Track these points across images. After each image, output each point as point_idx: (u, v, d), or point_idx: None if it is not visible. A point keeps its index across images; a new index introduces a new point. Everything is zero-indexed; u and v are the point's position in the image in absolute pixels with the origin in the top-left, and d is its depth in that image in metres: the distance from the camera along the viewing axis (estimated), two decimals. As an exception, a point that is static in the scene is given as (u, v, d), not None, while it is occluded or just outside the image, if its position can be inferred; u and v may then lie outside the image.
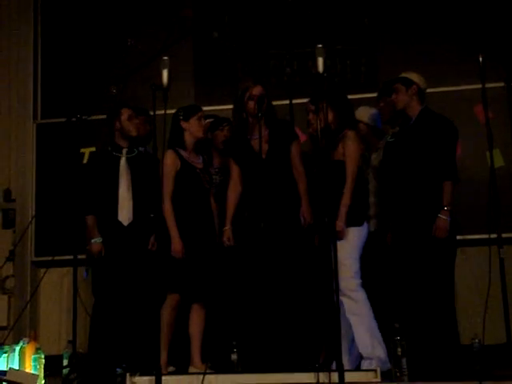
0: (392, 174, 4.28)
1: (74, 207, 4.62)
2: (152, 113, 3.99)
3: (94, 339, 4.57)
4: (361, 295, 4.11)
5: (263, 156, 4.27)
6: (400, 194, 4.21)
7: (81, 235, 4.56)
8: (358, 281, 4.12)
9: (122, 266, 4.51)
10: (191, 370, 4.27)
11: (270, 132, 4.33)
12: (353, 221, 4.15)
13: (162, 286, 4.19)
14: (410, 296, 4.08)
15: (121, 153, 4.67)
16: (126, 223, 4.57)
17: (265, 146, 4.27)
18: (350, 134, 4.23)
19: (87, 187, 4.65)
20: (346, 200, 4.13)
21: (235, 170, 4.45)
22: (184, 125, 4.42)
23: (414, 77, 4.32)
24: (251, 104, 4.31)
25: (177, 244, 4.26)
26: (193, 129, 4.43)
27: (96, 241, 4.53)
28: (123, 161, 4.65)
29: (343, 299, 4.04)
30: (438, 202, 4.08)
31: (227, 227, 4.39)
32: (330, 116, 4.13)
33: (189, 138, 4.43)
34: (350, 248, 4.11)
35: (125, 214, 4.57)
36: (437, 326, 3.98)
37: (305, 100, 4.49)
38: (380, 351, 4.03)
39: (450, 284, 4.11)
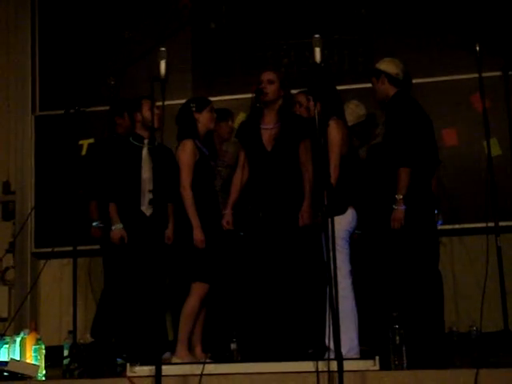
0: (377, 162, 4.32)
1: (73, 198, 4.63)
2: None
3: (99, 324, 4.59)
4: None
5: (269, 148, 4.29)
6: (381, 182, 4.22)
7: (80, 226, 4.57)
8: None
9: (141, 256, 4.48)
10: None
11: (282, 125, 4.33)
12: (334, 210, 4.10)
13: (189, 276, 4.23)
14: (396, 284, 4.07)
15: (142, 143, 4.68)
16: (148, 213, 4.58)
17: (272, 140, 4.29)
18: (332, 123, 4.15)
19: (107, 175, 4.64)
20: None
21: (242, 156, 4.46)
22: (197, 116, 4.46)
23: (381, 65, 4.32)
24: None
25: (199, 234, 4.24)
26: (205, 120, 4.47)
27: (117, 227, 4.51)
28: (145, 151, 4.64)
29: None
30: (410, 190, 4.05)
31: (228, 211, 4.39)
32: (317, 106, 4.11)
33: (201, 129, 4.47)
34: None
35: (148, 205, 4.57)
36: (420, 315, 3.98)
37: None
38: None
39: (421, 274, 4.05)
